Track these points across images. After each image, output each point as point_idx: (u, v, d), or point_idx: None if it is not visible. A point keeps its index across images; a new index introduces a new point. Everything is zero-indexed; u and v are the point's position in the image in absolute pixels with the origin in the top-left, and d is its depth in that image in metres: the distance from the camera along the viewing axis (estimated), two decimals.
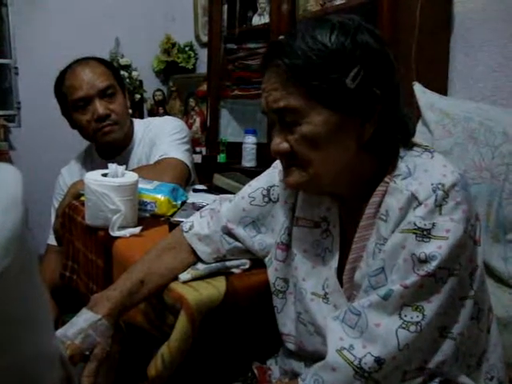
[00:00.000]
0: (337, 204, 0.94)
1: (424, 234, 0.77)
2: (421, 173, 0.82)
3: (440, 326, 0.80)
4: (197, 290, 0.97)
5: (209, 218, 1.09)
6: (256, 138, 2.49)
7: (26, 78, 2.99)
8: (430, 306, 0.77)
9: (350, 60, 0.80)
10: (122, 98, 1.73)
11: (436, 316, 0.78)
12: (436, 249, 0.76)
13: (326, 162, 0.85)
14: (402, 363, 0.79)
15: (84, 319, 0.91)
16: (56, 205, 1.73)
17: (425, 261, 0.76)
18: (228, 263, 1.06)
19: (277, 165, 1.04)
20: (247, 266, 1.07)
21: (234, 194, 1.48)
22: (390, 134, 0.86)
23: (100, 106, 1.64)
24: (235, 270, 1.06)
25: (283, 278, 1.01)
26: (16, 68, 2.98)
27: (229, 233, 1.06)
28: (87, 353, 0.88)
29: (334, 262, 0.93)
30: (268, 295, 1.03)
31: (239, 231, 1.05)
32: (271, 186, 1.04)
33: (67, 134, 1.82)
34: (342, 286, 0.91)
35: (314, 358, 0.94)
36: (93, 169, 1.62)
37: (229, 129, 2.79)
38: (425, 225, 0.77)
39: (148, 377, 0.96)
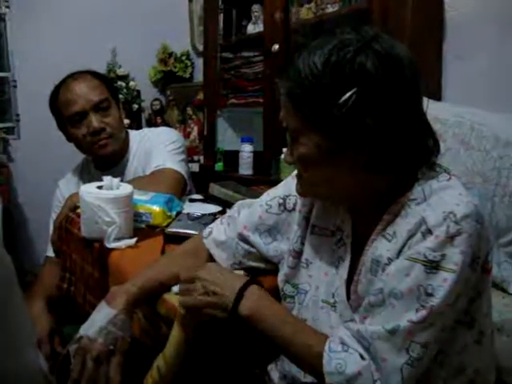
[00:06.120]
0: (350, 215, 0.95)
1: (433, 266, 0.76)
2: (436, 199, 0.81)
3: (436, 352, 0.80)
4: None
5: (226, 224, 1.13)
6: (252, 147, 2.50)
7: (25, 90, 3.00)
8: (431, 339, 0.77)
9: (341, 85, 0.78)
10: (117, 110, 1.75)
11: (434, 345, 0.79)
12: (441, 282, 0.75)
13: (319, 182, 0.89)
14: None
15: (103, 316, 0.97)
16: (54, 217, 1.74)
17: (431, 294, 0.76)
18: None
19: (295, 174, 1.05)
20: None
21: (230, 203, 1.51)
22: (398, 157, 0.83)
23: (95, 120, 1.66)
24: None
25: (292, 284, 1.02)
26: (14, 81, 3.00)
27: (244, 239, 1.08)
28: (111, 347, 0.95)
29: (344, 272, 0.93)
30: None
31: (254, 238, 1.07)
32: (287, 196, 1.05)
33: (66, 146, 1.83)
34: (349, 297, 0.92)
35: None
36: (90, 181, 1.64)
37: (226, 137, 2.78)
38: (434, 257, 0.76)
39: None
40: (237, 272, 1.09)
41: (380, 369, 0.78)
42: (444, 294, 0.75)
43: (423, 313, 0.76)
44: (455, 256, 0.76)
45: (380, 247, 0.86)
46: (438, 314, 0.76)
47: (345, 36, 0.81)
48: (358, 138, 0.80)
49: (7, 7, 2.89)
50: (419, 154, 0.86)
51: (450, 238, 0.76)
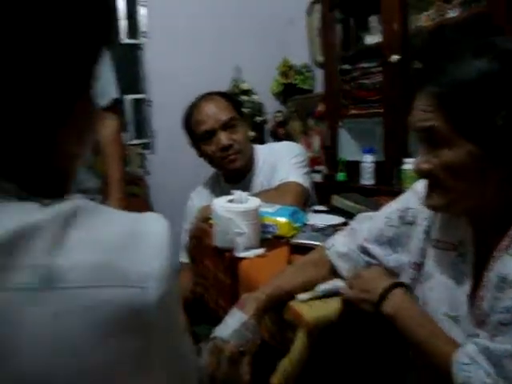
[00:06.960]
0: (472, 229, 0.94)
1: None
2: None
3: None
4: (313, 309, 1.04)
5: (347, 236, 1.17)
6: (374, 157, 2.52)
7: (159, 109, 3.27)
8: None
9: (507, 95, 0.77)
10: (243, 127, 1.87)
11: None
12: None
13: (464, 192, 0.85)
14: None
15: (236, 320, 1.04)
16: (186, 226, 1.90)
17: None
18: (342, 285, 1.11)
19: (414, 188, 1.07)
20: None
21: (352, 214, 1.55)
22: None
23: (224, 138, 1.80)
24: None
25: (412, 295, 1.03)
26: (150, 101, 3.29)
27: (365, 251, 1.12)
28: (242, 349, 1.02)
29: (467, 288, 0.92)
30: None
31: (375, 250, 1.11)
32: (407, 209, 1.07)
33: (197, 160, 1.98)
34: (471, 311, 0.91)
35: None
36: (220, 193, 1.78)
37: (347, 147, 2.82)
38: None
39: None
40: None
41: None
42: None
43: None
44: None
45: (508, 265, 0.83)
46: None
47: (505, 45, 0.79)
48: None
49: (144, 37, 3.19)
50: None
51: None
